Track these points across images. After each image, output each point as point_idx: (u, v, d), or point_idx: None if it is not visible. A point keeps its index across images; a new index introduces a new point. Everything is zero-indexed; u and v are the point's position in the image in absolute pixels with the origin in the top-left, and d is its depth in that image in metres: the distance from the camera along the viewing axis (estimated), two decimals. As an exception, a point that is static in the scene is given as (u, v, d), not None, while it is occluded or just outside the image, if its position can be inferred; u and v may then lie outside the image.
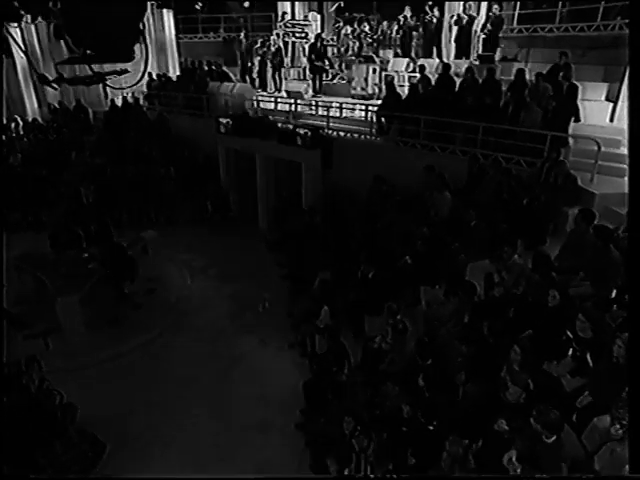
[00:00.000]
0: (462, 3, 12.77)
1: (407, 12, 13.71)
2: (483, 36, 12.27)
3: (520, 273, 6.10)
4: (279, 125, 12.37)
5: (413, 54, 13.16)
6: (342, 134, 11.93)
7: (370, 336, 7.05)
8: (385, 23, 14.55)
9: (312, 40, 13.97)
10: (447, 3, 13.09)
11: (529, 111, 8.96)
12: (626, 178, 8.17)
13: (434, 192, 9.30)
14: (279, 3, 16.97)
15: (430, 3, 13.31)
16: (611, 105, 9.89)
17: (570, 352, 4.93)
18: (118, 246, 9.70)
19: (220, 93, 14.27)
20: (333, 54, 15.07)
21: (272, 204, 13.03)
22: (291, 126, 11.96)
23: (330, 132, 11.97)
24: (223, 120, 13.06)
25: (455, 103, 9.95)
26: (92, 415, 6.44)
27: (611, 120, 9.79)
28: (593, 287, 5.49)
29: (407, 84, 12.23)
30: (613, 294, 5.51)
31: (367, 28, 14.61)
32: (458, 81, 10.67)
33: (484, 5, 12.76)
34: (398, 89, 11.24)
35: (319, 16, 16.26)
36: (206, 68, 15.76)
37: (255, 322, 9.25)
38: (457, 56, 12.82)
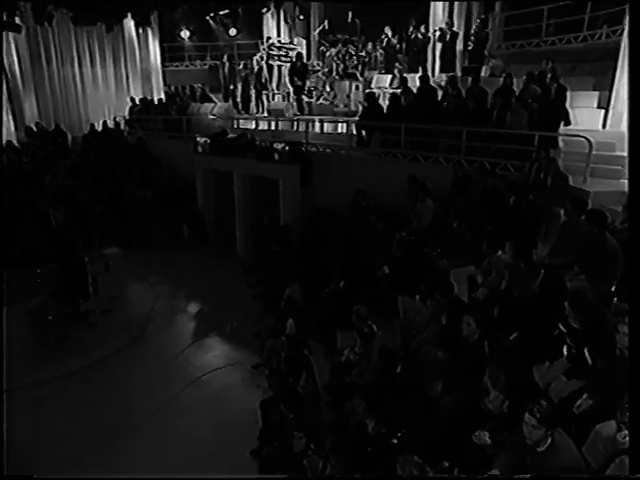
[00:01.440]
0: (445, 19, 12.59)
1: (388, 31, 13.58)
2: (469, 48, 12.00)
3: (504, 267, 5.35)
4: (257, 142, 11.90)
5: (397, 72, 12.89)
6: (322, 149, 11.42)
7: (340, 350, 6.22)
8: (370, 44, 14.43)
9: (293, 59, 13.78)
10: (432, 20, 12.94)
11: (514, 113, 8.47)
12: (621, 180, 7.62)
13: (417, 202, 8.71)
14: (265, 29, 17.00)
15: (414, 22, 13.17)
16: (603, 112, 9.42)
17: (565, 351, 4.11)
18: (76, 263, 9.00)
19: (200, 114, 13.96)
20: (318, 77, 14.87)
21: (251, 229, 12.40)
22: (269, 142, 11.46)
23: (310, 147, 11.49)
24: (200, 139, 12.71)
25: (437, 110, 9.49)
26: (22, 441, 5.55)
27: (603, 126, 9.29)
28: (589, 281, 4.73)
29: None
30: (613, 288, 4.74)
31: (352, 49, 14.48)
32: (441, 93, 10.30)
33: (468, 18, 12.56)
34: (380, 101, 10.80)
35: (304, 41, 16.22)
36: (189, 93, 15.52)
37: (220, 344, 8.47)
38: (442, 71, 12.54)
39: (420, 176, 8.99)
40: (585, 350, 3.85)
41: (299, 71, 13.26)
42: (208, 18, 18.18)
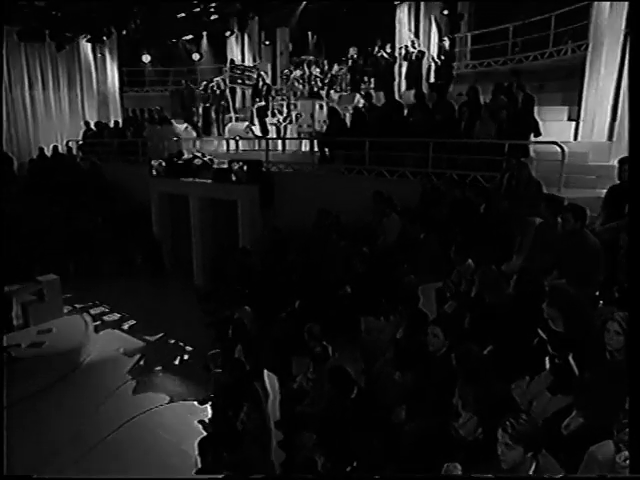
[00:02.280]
0: (410, 39, 12.56)
1: (353, 52, 13.49)
2: (434, 66, 11.91)
3: (473, 272, 4.81)
4: (215, 163, 11.43)
5: (362, 92, 12.71)
6: (284, 168, 11.00)
7: (295, 376, 5.51)
8: (336, 66, 14.32)
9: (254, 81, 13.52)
10: (398, 40, 12.90)
11: (482, 123, 8.20)
12: (596, 189, 7.30)
13: (383, 218, 8.24)
14: (229, 53, 16.84)
15: (379, 42, 13.12)
16: (573, 124, 9.26)
17: (547, 362, 3.53)
18: None
19: (157, 136, 13.46)
20: (282, 99, 14.60)
21: (210, 256, 11.74)
22: (227, 163, 10.99)
23: (271, 167, 11.05)
24: (155, 162, 12.22)
25: (403, 124, 9.18)
26: None
27: (575, 138, 9.10)
28: (570, 284, 4.21)
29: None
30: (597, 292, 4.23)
31: (317, 71, 14.33)
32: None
33: (434, 38, 12.56)
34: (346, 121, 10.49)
35: (269, 65, 16.06)
36: (147, 116, 15.05)
37: (164, 378, 7.66)
38: (409, 89, 12.41)
39: (386, 192, 8.58)
40: (570, 358, 3.27)
41: (261, 92, 12.95)
42: (170, 43, 17.96)
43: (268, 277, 8.96)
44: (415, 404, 3.95)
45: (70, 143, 15.71)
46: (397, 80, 12.94)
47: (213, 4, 13.84)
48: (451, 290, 5.24)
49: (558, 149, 7.49)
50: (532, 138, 8.34)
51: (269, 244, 10.36)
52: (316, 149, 10.50)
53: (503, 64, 11.67)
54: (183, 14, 14.17)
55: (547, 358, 3.55)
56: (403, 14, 13.10)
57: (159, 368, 7.92)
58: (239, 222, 10.90)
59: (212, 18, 15.37)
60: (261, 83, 12.87)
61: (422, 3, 12.82)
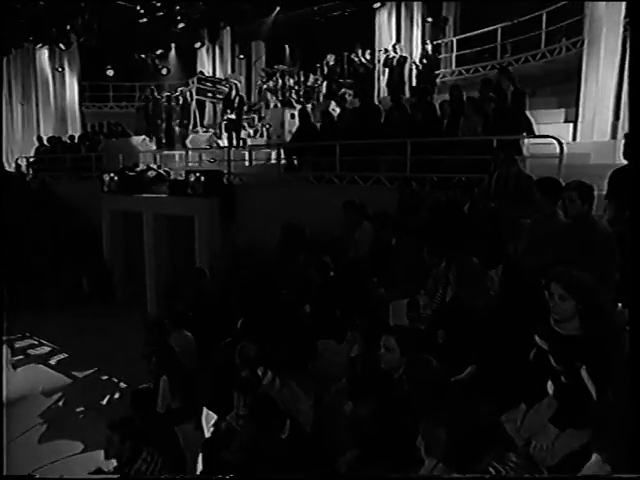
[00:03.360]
0: (391, 44, 12.01)
1: (330, 58, 12.92)
2: (416, 72, 11.32)
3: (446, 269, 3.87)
4: (171, 174, 10.59)
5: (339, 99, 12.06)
6: (248, 180, 10.18)
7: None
8: (311, 76, 13.72)
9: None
10: (377, 46, 12.38)
11: (467, 119, 7.43)
12: (602, 191, 6.48)
13: (355, 230, 7.37)
14: (199, 66, 16.32)
15: (359, 49, 12.58)
16: (571, 125, 8.55)
17: (550, 384, 2.55)
18: None
19: (112, 149, 12.68)
20: (255, 113, 13.96)
21: (165, 281, 10.76)
22: (184, 174, 10.16)
23: (233, 179, 10.22)
24: (107, 177, 11.40)
25: (378, 125, 8.42)
26: None
27: (574, 139, 8.37)
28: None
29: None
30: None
31: (291, 82, 13.73)
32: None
33: (416, 43, 12.04)
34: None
35: (242, 77, 15.51)
36: (106, 131, 14.30)
37: (85, 421, 6.52)
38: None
39: (359, 200, 7.74)
40: (583, 372, 2.29)
41: (233, 103, 12.25)
42: (138, 57, 17.44)
43: (221, 299, 8.02)
44: (370, 446, 2.93)
45: (19, 160, 14.82)
46: (377, 87, 12.32)
47: (177, 7, 13.26)
48: (426, 301, 4.27)
49: (555, 149, 6.73)
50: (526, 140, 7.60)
51: (227, 263, 9.50)
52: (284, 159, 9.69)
53: (492, 69, 11.07)
54: (145, 19, 13.58)
55: (550, 378, 2.57)
56: (383, 19, 12.63)
57: (80, 409, 6.79)
58: (196, 240, 10.01)
59: (180, 27, 14.84)
60: (233, 93, 12.18)
61: (403, 7, 12.37)
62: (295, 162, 9.48)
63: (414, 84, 11.44)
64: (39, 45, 15.80)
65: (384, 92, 12.07)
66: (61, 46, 15.97)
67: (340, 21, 14.28)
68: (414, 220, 6.90)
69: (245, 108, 12.88)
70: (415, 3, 12.20)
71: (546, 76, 9.94)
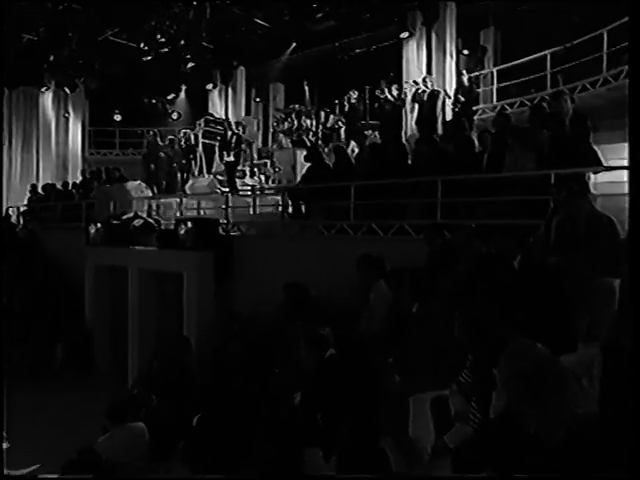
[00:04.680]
0: (421, 77, 11.02)
1: (353, 95, 12.00)
2: (451, 108, 10.26)
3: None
4: (161, 224, 9.64)
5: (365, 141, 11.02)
6: (248, 229, 9.09)
7: None
8: (331, 117, 12.81)
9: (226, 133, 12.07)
10: (405, 79, 11.44)
11: (514, 152, 6.14)
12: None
13: (369, 291, 6.10)
14: (211, 109, 15.84)
15: (385, 85, 11.66)
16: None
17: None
18: None
19: (104, 196, 11.93)
20: (267, 156, 13.09)
21: (153, 349, 9.59)
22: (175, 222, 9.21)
23: (232, 229, 9.15)
24: (93, 227, 10.76)
25: (402, 162, 7.24)
26: None
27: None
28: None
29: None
30: None
31: (308, 122, 12.85)
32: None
33: (450, 77, 11.04)
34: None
35: (255, 121, 14.80)
36: (104, 177, 13.62)
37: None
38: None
39: (378, 254, 6.47)
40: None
41: (230, 144, 11.39)
42: (147, 102, 17.10)
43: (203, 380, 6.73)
44: None
45: (10, 210, 14.23)
46: (405, 126, 11.25)
47: (182, 42, 12.75)
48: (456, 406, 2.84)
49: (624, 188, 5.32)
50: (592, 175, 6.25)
51: (224, 335, 8.25)
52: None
53: (541, 101, 9.84)
54: (149, 56, 13.10)
55: None
56: (411, 50, 11.73)
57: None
58: (184, 303, 8.90)
59: (189, 67, 14.37)
60: (230, 134, 11.34)
61: (434, 36, 11.46)
62: (302, 208, 8.32)
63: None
64: (44, 88, 15.61)
65: (413, 131, 10.97)
66: (66, 89, 15.78)
67: (364, 57, 13.54)
68: (446, 280, 5.54)
69: (244, 146, 12.02)
70: (448, 31, 11.28)
71: (609, 105, 8.67)
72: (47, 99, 16.04)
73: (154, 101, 17.13)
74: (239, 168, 12.51)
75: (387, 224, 7.06)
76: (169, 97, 17.17)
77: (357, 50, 13.98)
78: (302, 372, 4.98)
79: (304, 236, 8.18)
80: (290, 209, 8.63)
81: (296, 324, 5.62)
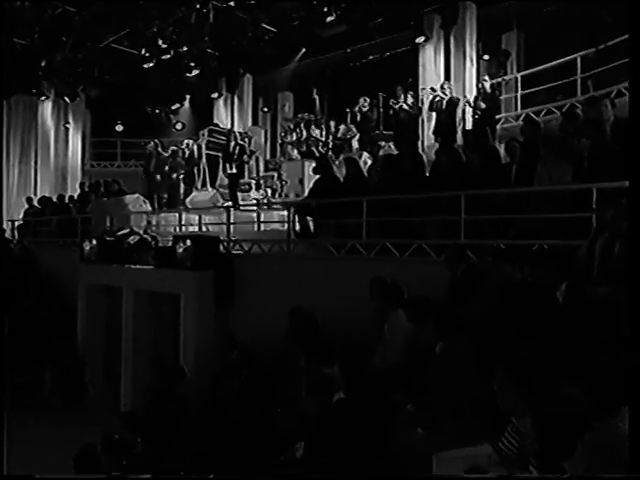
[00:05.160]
0: (440, 83, 10.51)
1: (364, 103, 11.49)
2: (471, 116, 9.72)
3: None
4: (158, 240, 9.17)
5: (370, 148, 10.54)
6: (252, 248, 8.58)
7: None
8: (342, 127, 12.31)
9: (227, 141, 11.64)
10: (421, 88, 10.93)
11: (547, 163, 5.58)
12: None
13: (384, 321, 5.56)
14: (216, 119, 15.46)
15: (401, 92, 11.14)
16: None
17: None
18: None
19: (101, 210, 11.51)
20: (275, 168, 12.63)
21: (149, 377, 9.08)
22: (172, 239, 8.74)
23: (232, 247, 8.65)
24: (87, 244, 10.34)
25: (419, 173, 6.71)
26: None
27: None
28: None
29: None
30: None
31: (317, 133, 12.36)
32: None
33: (469, 80, 10.51)
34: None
35: (262, 131, 14.38)
36: (102, 190, 13.22)
37: None
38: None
39: (392, 278, 5.97)
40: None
41: (233, 155, 10.92)
42: (150, 111, 16.76)
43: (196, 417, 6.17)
44: None
45: (5, 224, 13.85)
46: (422, 136, 10.73)
47: (185, 48, 12.37)
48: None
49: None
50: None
51: (224, 365, 7.69)
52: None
53: (571, 108, 9.25)
54: (151, 63, 12.71)
55: None
56: (428, 56, 11.23)
57: None
58: (181, 327, 8.39)
59: (194, 74, 13.98)
60: (232, 144, 10.87)
61: (452, 40, 10.93)
62: (311, 225, 7.77)
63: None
64: (43, 97, 15.34)
65: (430, 141, 10.42)
66: (66, 99, 15.52)
67: (377, 63, 13.09)
68: (471, 311, 4.94)
69: (246, 158, 11.56)
70: (468, 34, 10.76)
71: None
72: (46, 109, 15.78)
73: (157, 111, 16.73)
74: (244, 181, 12.09)
75: (403, 244, 6.51)
76: (173, 107, 16.79)
77: (370, 57, 13.58)
78: (305, 417, 4.41)
79: (312, 256, 7.67)
80: (297, 226, 8.06)
81: (299, 361, 5.01)
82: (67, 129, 16.21)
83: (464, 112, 10.00)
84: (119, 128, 16.93)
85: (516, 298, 4.41)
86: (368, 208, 6.82)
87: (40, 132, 15.77)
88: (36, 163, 15.79)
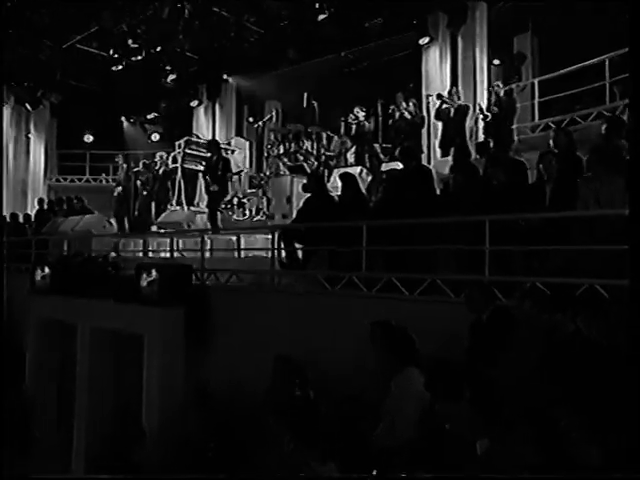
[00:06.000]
0: (446, 89, 9.73)
1: (359, 112, 10.68)
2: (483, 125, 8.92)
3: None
4: (121, 268, 8.24)
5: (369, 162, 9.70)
6: (229, 279, 7.65)
7: None
8: (336, 139, 11.50)
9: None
10: (425, 93, 10.18)
11: (591, 181, 4.72)
12: None
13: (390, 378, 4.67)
14: (195, 129, 14.66)
15: (402, 99, 10.35)
16: None
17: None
18: None
19: (60, 232, 10.57)
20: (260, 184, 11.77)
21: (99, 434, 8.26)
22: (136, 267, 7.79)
23: (207, 277, 7.70)
24: (39, 271, 9.51)
25: (430, 194, 5.85)
26: None
27: None
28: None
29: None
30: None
31: (308, 145, 11.52)
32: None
33: (480, 86, 9.73)
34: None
35: (247, 143, 13.55)
36: (65, 207, 12.27)
37: None
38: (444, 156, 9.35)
39: (399, 322, 5.11)
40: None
41: (216, 170, 10.00)
42: (124, 120, 15.91)
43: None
44: None
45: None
46: (428, 149, 9.93)
47: (159, 48, 11.52)
48: None
49: None
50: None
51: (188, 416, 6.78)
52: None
53: (597, 117, 8.46)
54: (120, 65, 11.84)
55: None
56: (432, 59, 10.48)
57: None
58: (144, 374, 7.46)
59: (171, 79, 13.16)
60: (215, 158, 9.96)
61: (460, 42, 10.17)
62: (299, 254, 6.86)
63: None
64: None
65: (436, 154, 9.59)
66: (27, 106, 14.62)
67: (375, 68, 12.33)
68: (507, 370, 4.00)
69: (239, 178, 10.69)
70: (477, 36, 9.98)
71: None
72: (4, 116, 14.85)
73: (132, 120, 15.90)
74: (227, 199, 11.20)
75: (413, 279, 5.59)
76: (149, 116, 15.94)
77: (364, 63, 12.87)
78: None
79: (300, 290, 6.74)
80: (283, 253, 7.13)
81: (284, 444, 3.99)
82: (29, 139, 15.47)
83: (476, 121, 9.19)
84: (88, 139, 16.15)
85: (572, 360, 3.49)
86: (369, 234, 5.92)
87: (0, 140, 14.85)
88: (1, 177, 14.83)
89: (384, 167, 8.54)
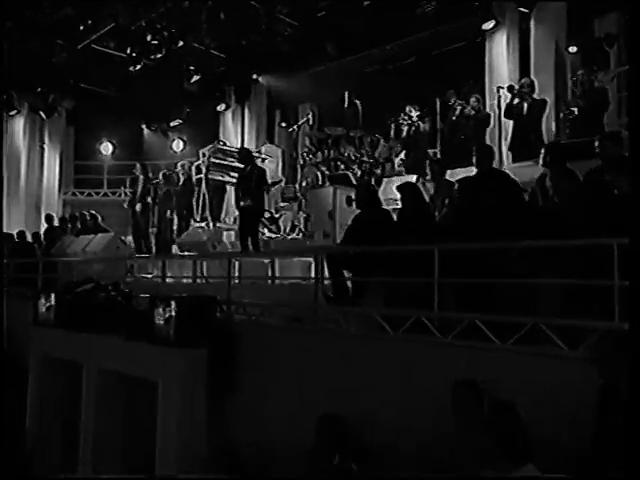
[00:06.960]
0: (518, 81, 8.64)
1: (411, 110, 9.87)
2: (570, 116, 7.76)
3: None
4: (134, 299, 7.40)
5: (428, 172, 8.62)
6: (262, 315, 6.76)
7: None
8: (382, 143, 10.57)
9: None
10: (488, 87, 9.23)
11: None
12: None
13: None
14: (221, 134, 14.12)
15: (454, 97, 9.39)
16: None
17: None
18: None
19: (68, 253, 9.85)
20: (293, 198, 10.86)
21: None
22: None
23: (235, 312, 6.85)
24: (43, 301, 8.82)
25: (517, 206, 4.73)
26: None
27: None
28: None
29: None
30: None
31: (352, 151, 10.62)
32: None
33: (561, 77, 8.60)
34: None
35: (279, 150, 12.72)
36: (79, 225, 11.59)
37: None
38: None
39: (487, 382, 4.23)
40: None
41: (250, 182, 8.97)
42: (144, 127, 15.35)
43: None
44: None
45: (-46, 268, 12.28)
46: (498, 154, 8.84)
47: (180, 44, 10.74)
48: None
49: None
50: None
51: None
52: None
53: None
54: (138, 65, 11.11)
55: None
56: (499, 45, 9.41)
57: None
58: (158, 426, 6.68)
59: (194, 80, 12.42)
60: (249, 169, 8.98)
61: (533, 25, 9.02)
62: (348, 285, 5.81)
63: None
64: (13, 112, 13.99)
65: (507, 159, 8.43)
66: (41, 114, 14.11)
67: (427, 60, 11.45)
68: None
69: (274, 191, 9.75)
70: (554, 16, 8.82)
71: None
72: (17, 125, 14.67)
73: (153, 128, 15.30)
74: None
75: (505, 322, 4.41)
76: (172, 123, 15.26)
77: (412, 57, 11.89)
78: None
79: (351, 332, 5.67)
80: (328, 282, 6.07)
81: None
82: (43, 150, 15.14)
83: (558, 118, 8.02)
84: (106, 148, 15.69)
85: None
86: (441, 261, 4.77)
87: (9, 153, 14.48)
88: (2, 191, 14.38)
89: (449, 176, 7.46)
